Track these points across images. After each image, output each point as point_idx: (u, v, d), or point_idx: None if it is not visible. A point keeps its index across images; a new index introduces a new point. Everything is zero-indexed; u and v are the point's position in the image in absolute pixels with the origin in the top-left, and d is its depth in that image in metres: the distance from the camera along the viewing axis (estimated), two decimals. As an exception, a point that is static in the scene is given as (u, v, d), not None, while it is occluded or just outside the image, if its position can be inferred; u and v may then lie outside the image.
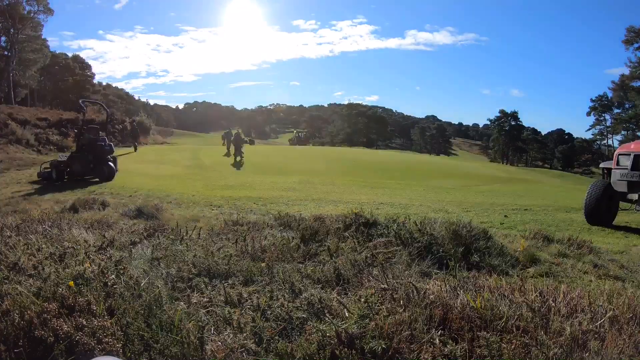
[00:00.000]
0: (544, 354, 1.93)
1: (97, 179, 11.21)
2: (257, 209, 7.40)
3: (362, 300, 2.41)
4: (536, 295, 2.53)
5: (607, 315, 2.25)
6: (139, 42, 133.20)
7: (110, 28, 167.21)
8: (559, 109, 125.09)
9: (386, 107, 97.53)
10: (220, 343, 2.02)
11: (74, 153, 11.91)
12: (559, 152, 64.79)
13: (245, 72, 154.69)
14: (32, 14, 36.04)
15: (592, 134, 53.13)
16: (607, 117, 49.68)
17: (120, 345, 2.00)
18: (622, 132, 45.41)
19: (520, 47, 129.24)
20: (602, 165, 7.82)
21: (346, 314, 2.26)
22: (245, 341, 2.04)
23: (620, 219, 7.45)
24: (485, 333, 2.05)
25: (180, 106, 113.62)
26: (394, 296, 2.46)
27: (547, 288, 2.74)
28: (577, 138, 64.80)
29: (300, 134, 51.99)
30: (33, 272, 2.83)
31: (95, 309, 2.22)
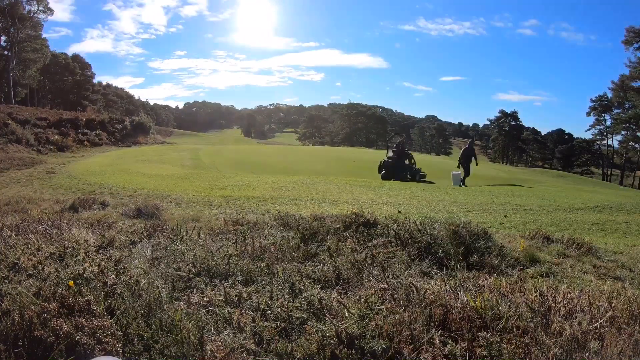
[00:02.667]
0: (544, 354, 1.92)
1: None
2: (257, 208, 7.40)
3: (362, 300, 2.40)
4: (536, 295, 2.52)
5: (607, 315, 2.25)
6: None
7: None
8: (559, 109, 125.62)
9: (386, 107, 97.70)
10: (220, 343, 2.01)
11: None
12: (559, 152, 64.78)
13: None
14: (32, 14, 36.07)
15: (592, 134, 52.97)
16: (607, 117, 49.54)
17: (120, 345, 2.00)
18: (622, 132, 45.35)
19: (520, 47, 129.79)
20: None
21: (346, 314, 2.26)
22: (245, 341, 2.04)
23: (620, 218, 7.45)
24: (485, 333, 2.05)
25: (180, 106, 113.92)
26: (394, 296, 2.46)
27: (547, 288, 2.73)
28: (576, 138, 64.80)
29: None
30: (33, 272, 2.83)
31: (95, 308, 2.22)
